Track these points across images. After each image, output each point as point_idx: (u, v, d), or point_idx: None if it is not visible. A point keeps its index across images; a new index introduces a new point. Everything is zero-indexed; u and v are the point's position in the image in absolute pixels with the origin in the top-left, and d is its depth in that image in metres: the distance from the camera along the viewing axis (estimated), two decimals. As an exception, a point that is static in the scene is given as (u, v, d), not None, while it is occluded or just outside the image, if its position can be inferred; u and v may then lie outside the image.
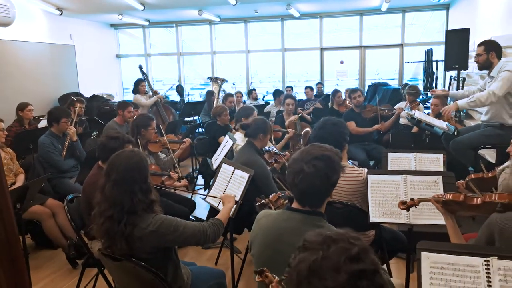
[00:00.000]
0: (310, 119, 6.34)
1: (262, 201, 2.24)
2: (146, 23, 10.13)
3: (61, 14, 8.24)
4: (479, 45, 3.85)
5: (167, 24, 10.58)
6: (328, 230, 1.62)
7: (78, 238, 2.74)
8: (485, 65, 3.80)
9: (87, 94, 8.65)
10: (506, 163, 2.63)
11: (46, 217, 3.69)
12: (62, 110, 4.47)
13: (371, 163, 5.28)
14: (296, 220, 1.69)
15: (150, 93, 7.25)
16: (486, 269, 1.44)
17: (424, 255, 1.51)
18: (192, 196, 4.85)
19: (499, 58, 3.77)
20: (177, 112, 7.75)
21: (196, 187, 5.55)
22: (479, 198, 1.93)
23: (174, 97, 10.26)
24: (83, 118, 5.68)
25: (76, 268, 3.56)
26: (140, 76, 7.29)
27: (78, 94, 8.27)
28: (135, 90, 6.93)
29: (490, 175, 2.75)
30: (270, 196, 2.25)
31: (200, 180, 5.58)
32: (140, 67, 7.40)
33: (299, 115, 5.70)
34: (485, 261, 1.45)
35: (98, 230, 2.01)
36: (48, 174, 3.85)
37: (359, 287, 0.91)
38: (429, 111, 5.58)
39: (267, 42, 10.58)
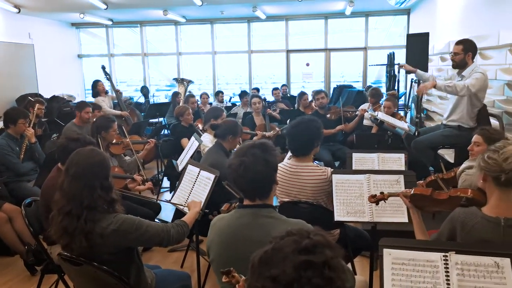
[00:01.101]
0: (279, 117, 6.40)
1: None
2: (109, 23, 9.90)
3: (19, 12, 7.92)
4: (457, 43, 3.90)
5: (131, 24, 10.38)
6: (278, 221, 1.67)
7: (36, 243, 2.63)
8: (460, 65, 3.86)
9: (47, 94, 8.35)
10: (465, 164, 2.73)
11: (2, 222, 3.53)
12: (20, 111, 4.28)
13: (337, 163, 5.37)
14: (248, 215, 1.72)
15: (112, 94, 7.09)
16: (444, 263, 1.48)
17: (386, 251, 1.54)
18: (157, 199, 4.78)
19: (473, 59, 3.88)
20: (142, 114, 7.61)
21: (162, 190, 5.46)
22: (445, 193, 2.01)
23: (139, 98, 10.06)
24: (42, 119, 5.47)
25: (35, 275, 3.42)
26: (102, 76, 7.10)
27: (37, 95, 7.97)
28: (94, 93, 6.76)
29: (452, 174, 2.84)
30: (221, 208, 2.26)
31: (166, 183, 5.49)
32: (103, 67, 7.22)
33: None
34: (443, 256, 1.49)
35: (56, 229, 1.94)
36: (4, 177, 3.68)
37: (303, 277, 0.91)
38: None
39: (234, 44, 10.57)
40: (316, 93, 5.69)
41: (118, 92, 7.02)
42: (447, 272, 1.47)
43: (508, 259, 1.45)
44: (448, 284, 1.45)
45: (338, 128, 5.45)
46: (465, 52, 3.79)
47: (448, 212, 1.90)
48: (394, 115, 5.32)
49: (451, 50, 3.91)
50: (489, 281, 1.44)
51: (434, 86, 3.79)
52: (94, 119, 4.22)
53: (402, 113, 6.61)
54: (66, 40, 10.27)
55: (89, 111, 4.98)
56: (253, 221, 1.70)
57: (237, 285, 1.36)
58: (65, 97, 8.72)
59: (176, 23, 10.03)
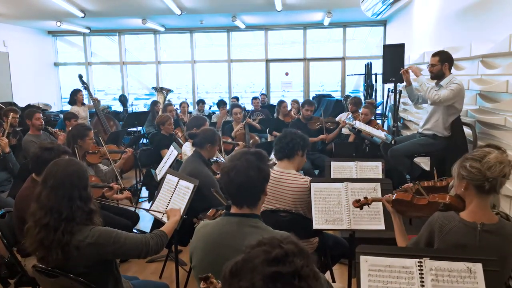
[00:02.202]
0: (259, 127, 6.42)
1: (201, 221, 2.23)
2: (87, 31, 9.78)
3: (-7, 19, 7.77)
4: (433, 55, 4.00)
5: (110, 32, 10.28)
6: (263, 231, 1.68)
7: (10, 255, 2.55)
8: (438, 75, 3.96)
9: (22, 103, 8.15)
10: None
11: (-26, 235, 3.41)
12: (-7, 120, 4.18)
13: (316, 172, 5.42)
14: (234, 224, 1.72)
15: (90, 103, 6.99)
16: (419, 269, 1.51)
17: (363, 258, 1.56)
18: (135, 209, 4.72)
19: (450, 70, 3.99)
20: (120, 123, 7.52)
21: (140, 199, 5.39)
22: (425, 198, 2.06)
23: (117, 107, 9.95)
24: (17, 129, 5.34)
25: (8, 289, 3.31)
26: (80, 85, 7.00)
27: (11, 104, 7.77)
28: (72, 101, 6.65)
29: (444, 183, 2.88)
30: (207, 213, 2.26)
31: (144, 192, 5.42)
32: (80, 76, 7.11)
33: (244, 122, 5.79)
34: (418, 262, 1.52)
35: (32, 242, 1.89)
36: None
37: None
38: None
39: (213, 53, 10.60)
40: (309, 104, 5.74)
41: (96, 101, 6.92)
42: (421, 278, 1.50)
43: (480, 264, 1.49)
44: (423, 289, 1.48)
45: (320, 138, 5.52)
46: (442, 63, 3.91)
47: (426, 218, 1.95)
48: (370, 122, 5.44)
49: (426, 60, 4.02)
50: (462, 286, 1.47)
51: (416, 76, 4.02)
52: (70, 128, 4.15)
53: (379, 121, 6.74)
54: (42, 48, 10.09)
55: (40, 117, 4.85)
56: (237, 230, 1.70)
57: None
58: (41, 106, 8.54)
59: (155, 32, 9.99)
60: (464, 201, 1.84)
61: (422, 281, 1.49)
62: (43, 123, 4.92)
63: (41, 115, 4.97)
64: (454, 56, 4.59)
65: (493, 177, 1.71)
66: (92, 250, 1.87)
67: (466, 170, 1.77)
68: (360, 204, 2.26)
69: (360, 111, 5.88)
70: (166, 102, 7.95)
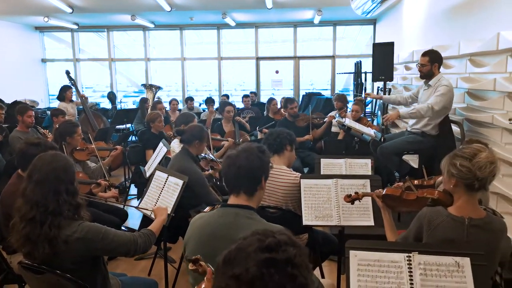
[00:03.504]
0: (249, 127, 6.40)
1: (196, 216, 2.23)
2: (75, 27, 9.65)
3: (-21, 14, 7.63)
4: (423, 54, 4.02)
5: (98, 28, 10.17)
6: (258, 223, 1.69)
7: (-5, 253, 2.51)
8: (428, 75, 3.99)
9: (8, 100, 8.02)
10: None
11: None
12: (-23, 116, 4.11)
13: (306, 170, 5.42)
14: (230, 215, 1.75)
15: (78, 100, 6.91)
16: (408, 264, 1.52)
17: (352, 253, 1.56)
18: (124, 206, 4.68)
19: (439, 69, 4.02)
20: (109, 120, 7.45)
21: (129, 197, 5.34)
22: (414, 194, 2.08)
23: (106, 104, 9.86)
24: (3, 125, 5.26)
25: (-7, 287, 3.26)
26: (67, 82, 6.91)
27: (-3, 100, 7.66)
28: (61, 97, 6.56)
29: (431, 182, 2.91)
30: (204, 210, 2.25)
31: (133, 190, 5.38)
32: (67, 73, 7.02)
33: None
34: (407, 256, 1.53)
35: (18, 237, 1.86)
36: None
37: (265, 275, 0.91)
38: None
39: (203, 51, 10.55)
40: (290, 102, 5.72)
41: (83, 98, 6.84)
42: (410, 272, 1.50)
43: (468, 259, 1.50)
44: (412, 283, 1.48)
45: (306, 138, 5.52)
46: (432, 63, 3.94)
47: (415, 214, 1.96)
48: (360, 119, 5.47)
49: (415, 59, 4.05)
50: (450, 280, 1.48)
51: (399, 116, 3.99)
52: (57, 125, 4.10)
53: (369, 119, 6.76)
54: (29, 44, 9.95)
55: (32, 114, 4.78)
56: (233, 221, 1.72)
57: (205, 277, 1.35)
58: (28, 103, 8.41)
59: (144, 28, 9.91)
60: (452, 196, 1.86)
61: (411, 275, 1.49)
62: (34, 121, 4.85)
63: (33, 113, 4.89)
64: (442, 55, 4.63)
65: (483, 177, 1.72)
66: (80, 245, 1.85)
67: (456, 169, 1.77)
68: (351, 199, 2.27)
69: (349, 107, 5.90)
70: (156, 99, 7.89)
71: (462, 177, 1.76)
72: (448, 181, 1.83)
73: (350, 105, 6.88)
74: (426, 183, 2.79)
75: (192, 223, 1.83)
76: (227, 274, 0.93)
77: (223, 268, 0.96)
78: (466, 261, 1.50)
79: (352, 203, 2.31)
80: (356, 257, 1.56)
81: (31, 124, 4.79)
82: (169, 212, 2.52)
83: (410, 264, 1.51)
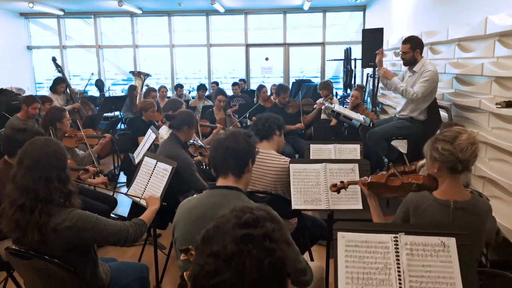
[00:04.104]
0: (238, 123, 6.36)
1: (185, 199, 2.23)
2: (61, 13, 9.47)
3: (-39, -1, 7.44)
4: (404, 42, 4.03)
5: (85, 15, 10.00)
6: (246, 204, 1.68)
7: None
8: (411, 62, 4.02)
9: (-7, 88, 7.90)
10: (424, 160, 2.84)
11: None
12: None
13: (297, 156, 5.44)
14: (219, 196, 1.77)
15: (67, 91, 6.82)
16: (395, 244, 1.53)
17: (340, 234, 1.57)
18: (113, 193, 4.65)
19: (422, 54, 4.03)
20: (97, 108, 7.37)
21: (118, 185, 5.32)
22: (398, 179, 2.09)
23: (93, 92, 9.73)
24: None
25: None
26: (54, 68, 6.81)
27: (-18, 88, 7.52)
28: (53, 89, 6.49)
29: (412, 167, 2.94)
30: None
31: (123, 177, 5.35)
32: (54, 59, 6.91)
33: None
34: (394, 237, 1.54)
35: (7, 223, 1.84)
36: None
37: (243, 250, 0.91)
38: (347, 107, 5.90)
39: (192, 38, 10.44)
40: (283, 90, 5.68)
41: (74, 92, 6.77)
42: (397, 252, 1.52)
43: (453, 239, 1.52)
44: (398, 263, 1.50)
45: (297, 126, 5.52)
46: (413, 49, 3.96)
47: (402, 199, 1.98)
48: (359, 106, 5.51)
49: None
50: (436, 259, 1.50)
51: (388, 78, 4.04)
52: (45, 112, 4.04)
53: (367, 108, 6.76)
54: (14, 31, 9.74)
55: (37, 107, 4.72)
56: (222, 201, 1.74)
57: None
58: (14, 91, 8.28)
59: (132, 14, 9.76)
60: (437, 180, 1.88)
61: (398, 255, 1.51)
62: (37, 113, 4.77)
63: (39, 105, 4.82)
64: (431, 40, 4.65)
65: (465, 159, 1.74)
66: (70, 233, 1.83)
67: (438, 153, 1.79)
68: (337, 188, 2.28)
69: (333, 95, 5.91)
70: (150, 87, 7.80)
71: (445, 161, 1.77)
72: (432, 166, 1.85)
73: (341, 94, 6.88)
74: (407, 169, 2.83)
75: (180, 206, 1.84)
76: (206, 252, 0.94)
77: (202, 247, 0.96)
78: (451, 241, 1.52)
79: (338, 192, 2.32)
80: (344, 239, 1.57)
81: (33, 116, 4.72)
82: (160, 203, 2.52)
83: (397, 245, 1.53)
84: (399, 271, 1.49)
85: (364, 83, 8.00)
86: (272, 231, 0.96)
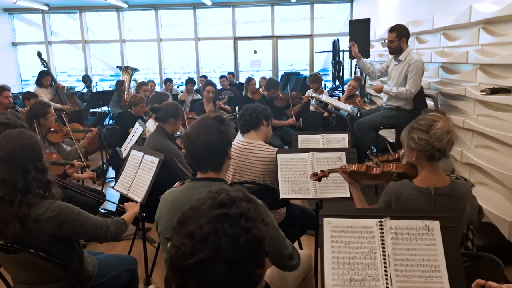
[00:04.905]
0: (230, 109, 6.35)
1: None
2: (46, 8, 9.33)
3: None
4: (390, 30, 4.06)
5: (70, 9, 9.86)
6: None
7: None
8: (396, 51, 4.05)
9: (-22, 85, 7.77)
10: None
11: None
12: None
13: (286, 148, 5.44)
14: (200, 187, 1.73)
15: (54, 86, 6.73)
16: (380, 229, 1.54)
17: (325, 220, 1.58)
18: (102, 188, 4.63)
19: (407, 43, 4.06)
20: (84, 104, 7.29)
21: (107, 180, 5.28)
22: (378, 168, 2.09)
23: (81, 88, 9.60)
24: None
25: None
26: (39, 64, 6.72)
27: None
28: (39, 83, 6.41)
29: (396, 156, 2.96)
30: (174, 186, 2.24)
31: (111, 173, 5.31)
32: (39, 54, 6.81)
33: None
34: (379, 222, 1.55)
35: None
36: None
37: (218, 229, 0.92)
38: (336, 99, 5.92)
39: (180, 32, 10.37)
40: (274, 87, 5.59)
41: (59, 87, 6.67)
42: (382, 236, 1.53)
43: (437, 222, 1.53)
44: (383, 247, 1.51)
45: (289, 122, 5.50)
46: (399, 38, 3.98)
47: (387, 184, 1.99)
48: (354, 96, 5.55)
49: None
50: (421, 242, 1.51)
51: (381, 90, 4.19)
52: (28, 107, 3.99)
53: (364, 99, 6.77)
54: (-2, 27, 9.61)
55: (8, 95, 4.65)
56: (203, 193, 1.69)
57: None
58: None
59: (118, 8, 9.65)
60: (416, 168, 1.89)
61: (383, 240, 1.52)
62: (11, 101, 4.72)
63: (10, 93, 4.77)
64: (417, 30, 4.67)
65: (442, 147, 1.75)
66: (51, 224, 1.82)
67: (415, 142, 1.79)
68: (318, 177, 2.27)
69: (323, 87, 5.93)
70: (141, 81, 7.71)
71: (422, 150, 1.78)
72: (410, 155, 1.86)
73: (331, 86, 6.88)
74: (391, 158, 2.85)
75: (163, 198, 1.81)
76: (182, 233, 0.94)
77: (178, 229, 0.97)
78: (435, 224, 1.53)
79: (319, 181, 2.32)
80: (329, 224, 1.57)
81: (9, 105, 4.68)
82: (143, 197, 2.56)
83: (382, 229, 1.54)
84: (384, 255, 1.50)
85: (353, 75, 8.03)
86: (248, 210, 0.97)
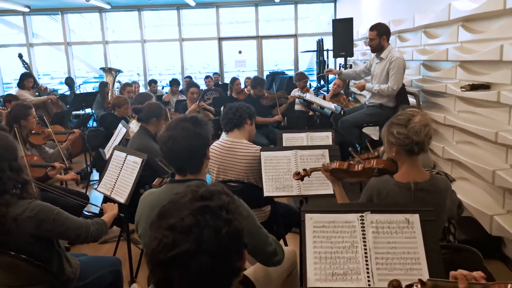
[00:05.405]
0: (213, 110, 6.32)
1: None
2: (27, 10, 9.19)
3: None
4: (370, 29, 4.10)
5: (51, 11, 9.73)
6: None
7: None
8: (377, 49, 4.09)
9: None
10: None
11: None
12: None
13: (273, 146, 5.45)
14: (179, 190, 1.67)
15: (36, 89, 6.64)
16: (361, 223, 1.56)
17: (307, 216, 1.59)
18: (86, 191, 4.58)
19: (388, 41, 4.10)
20: (67, 106, 7.20)
21: (91, 182, 5.22)
22: (360, 165, 2.11)
23: (65, 91, 9.49)
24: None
25: None
26: (21, 66, 6.62)
27: None
28: (21, 85, 6.30)
29: (376, 153, 2.99)
30: (153, 183, 2.22)
31: (96, 175, 5.26)
32: (20, 56, 6.72)
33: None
34: (360, 216, 1.57)
35: None
36: None
37: (201, 221, 0.93)
38: (321, 97, 5.96)
39: (165, 33, 10.32)
40: (260, 85, 5.60)
41: (41, 89, 6.59)
42: (363, 230, 1.54)
43: (417, 215, 1.56)
44: (364, 241, 1.53)
45: (275, 119, 5.51)
46: (380, 36, 4.02)
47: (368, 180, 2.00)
48: (339, 94, 5.59)
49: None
50: (401, 236, 1.53)
51: (363, 88, 4.21)
52: (9, 109, 3.92)
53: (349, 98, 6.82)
54: (-22, 29, 9.43)
55: None
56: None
57: None
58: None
59: (100, 9, 9.55)
60: (396, 163, 1.92)
61: (364, 234, 1.54)
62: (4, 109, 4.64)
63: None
64: (398, 28, 4.73)
65: (420, 141, 1.77)
66: (31, 224, 1.80)
67: (394, 137, 1.82)
68: (300, 176, 2.28)
69: (308, 85, 5.96)
70: (125, 82, 7.65)
71: (401, 144, 1.81)
72: (390, 150, 1.89)
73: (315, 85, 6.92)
74: (371, 155, 2.88)
75: (142, 199, 1.78)
76: (163, 226, 0.95)
77: (158, 222, 0.97)
78: (415, 218, 1.56)
79: (302, 180, 2.33)
80: (311, 220, 1.58)
81: None
82: (126, 198, 2.55)
83: (363, 223, 1.56)
84: (365, 249, 1.52)
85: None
86: (228, 203, 0.99)
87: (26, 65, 6.66)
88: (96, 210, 3.80)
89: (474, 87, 3.15)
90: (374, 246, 1.52)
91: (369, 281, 1.46)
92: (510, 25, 2.73)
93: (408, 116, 1.81)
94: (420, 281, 1.11)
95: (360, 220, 1.56)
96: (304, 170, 2.28)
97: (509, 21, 2.75)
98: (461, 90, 3.25)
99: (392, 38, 4.98)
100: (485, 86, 3.08)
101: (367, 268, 1.49)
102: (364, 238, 1.53)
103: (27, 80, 6.28)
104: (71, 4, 9.24)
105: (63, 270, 1.97)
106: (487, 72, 3.08)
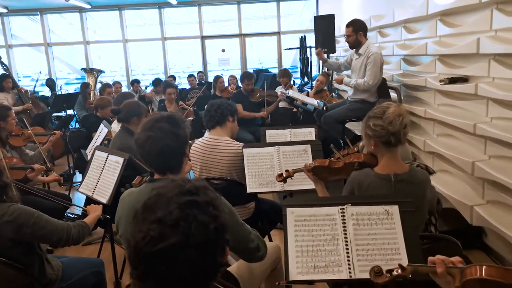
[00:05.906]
0: (192, 110, 6.28)
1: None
2: (4, 11, 9.02)
3: None
4: (347, 25, 4.13)
5: (30, 11, 9.56)
6: None
7: None
8: (355, 44, 4.12)
9: None
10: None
11: None
12: None
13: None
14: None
15: (15, 90, 6.51)
16: (341, 216, 1.57)
17: (289, 210, 1.60)
18: (69, 193, 4.52)
19: (366, 37, 4.13)
20: (49, 108, 7.09)
21: (74, 184, 5.15)
22: (341, 161, 2.13)
23: (46, 92, 9.35)
24: None
25: None
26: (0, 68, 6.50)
27: None
28: (0, 87, 6.17)
29: (355, 149, 3.01)
30: (133, 182, 2.20)
31: (79, 177, 5.19)
32: (-2, 57, 6.59)
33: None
34: (340, 209, 1.58)
35: None
36: None
37: (189, 215, 0.93)
38: (305, 94, 5.98)
39: (146, 32, 10.23)
40: (248, 78, 5.61)
41: (22, 91, 6.46)
42: (344, 223, 1.56)
43: (396, 206, 1.58)
44: (345, 234, 1.54)
45: (260, 114, 5.52)
46: (356, 32, 4.06)
47: None
48: (322, 91, 5.61)
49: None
50: (381, 227, 1.55)
51: (342, 81, 4.29)
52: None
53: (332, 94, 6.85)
54: (-46, 31, 9.21)
55: None
56: None
57: None
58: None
59: (80, 9, 9.42)
60: (376, 156, 1.94)
61: (345, 226, 1.55)
62: None
63: None
64: (379, 24, 4.77)
65: (396, 131, 1.80)
66: (10, 228, 1.77)
67: (371, 130, 1.86)
68: (283, 178, 2.28)
69: (292, 82, 5.98)
70: (105, 83, 7.56)
71: (378, 136, 1.84)
72: (368, 144, 1.92)
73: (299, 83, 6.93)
74: (351, 151, 2.90)
75: (121, 199, 1.74)
76: (149, 219, 0.94)
77: (144, 214, 0.97)
78: (395, 209, 1.58)
79: (285, 182, 2.33)
80: (293, 214, 1.59)
81: None
82: (108, 198, 2.52)
83: (344, 216, 1.57)
84: (346, 241, 1.53)
85: (320, 70, 8.13)
86: (214, 199, 1.00)
87: (5, 67, 6.53)
88: (80, 211, 3.77)
89: (452, 80, 3.20)
90: (355, 238, 1.53)
91: (350, 272, 1.48)
92: (486, 18, 2.78)
93: (383, 108, 1.85)
94: (400, 266, 1.14)
95: (341, 213, 1.58)
96: (287, 171, 2.29)
97: (485, 14, 2.80)
98: (440, 84, 3.29)
99: (373, 33, 5.04)
100: (464, 79, 3.12)
101: (348, 260, 1.50)
102: (345, 230, 1.55)
103: (5, 81, 6.15)
104: (50, 5, 9.10)
105: (44, 272, 1.95)
106: (465, 65, 3.13)
